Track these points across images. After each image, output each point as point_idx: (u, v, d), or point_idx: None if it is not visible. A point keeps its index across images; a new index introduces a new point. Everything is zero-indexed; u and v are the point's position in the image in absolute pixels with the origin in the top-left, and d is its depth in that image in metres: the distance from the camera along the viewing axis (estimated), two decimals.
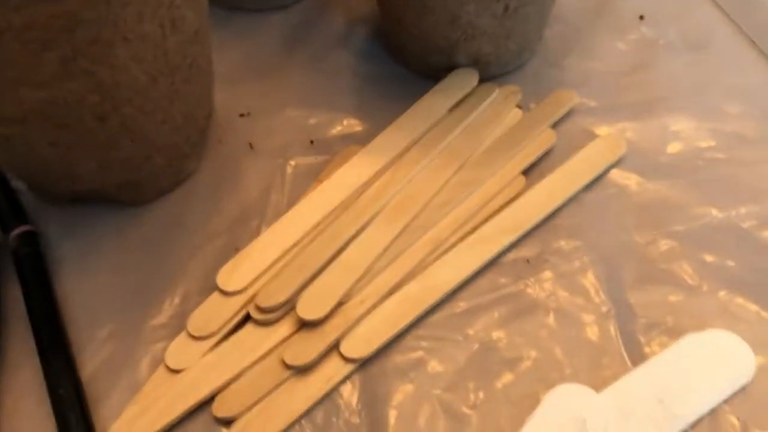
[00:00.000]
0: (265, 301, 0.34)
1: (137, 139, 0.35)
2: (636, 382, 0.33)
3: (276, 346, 0.34)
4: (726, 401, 0.32)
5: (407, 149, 0.40)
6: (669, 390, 0.32)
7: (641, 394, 0.32)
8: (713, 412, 0.32)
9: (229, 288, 0.35)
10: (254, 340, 0.34)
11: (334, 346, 0.34)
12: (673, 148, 0.41)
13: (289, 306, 0.35)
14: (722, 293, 0.35)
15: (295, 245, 0.36)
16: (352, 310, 0.34)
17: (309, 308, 0.34)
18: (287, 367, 0.33)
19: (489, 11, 0.39)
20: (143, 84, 0.33)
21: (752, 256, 0.36)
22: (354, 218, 0.37)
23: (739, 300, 0.35)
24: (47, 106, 0.31)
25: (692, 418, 0.32)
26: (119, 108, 0.33)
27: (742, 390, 0.33)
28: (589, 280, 0.36)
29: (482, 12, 0.39)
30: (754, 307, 0.35)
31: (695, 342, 0.34)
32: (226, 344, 0.34)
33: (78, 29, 0.29)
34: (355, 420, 0.32)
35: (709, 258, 0.36)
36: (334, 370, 0.33)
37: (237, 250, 0.37)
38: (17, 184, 0.40)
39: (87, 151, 0.34)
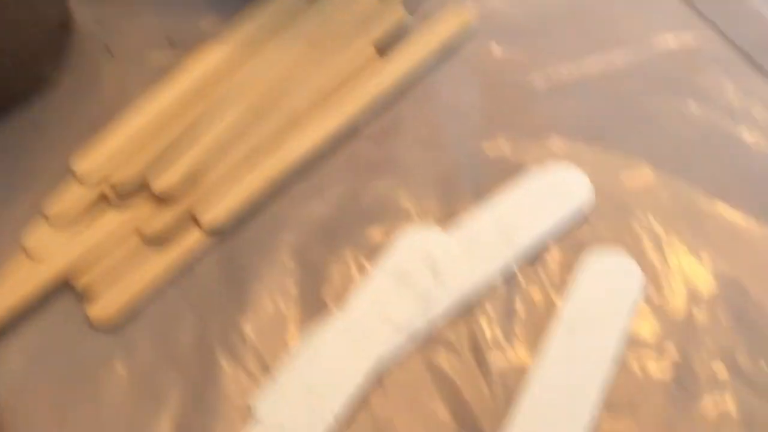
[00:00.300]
0: (119, 178, 0.34)
1: None
2: (481, 218, 0.34)
3: (133, 221, 0.34)
4: (568, 230, 0.34)
5: (259, 35, 0.40)
6: (510, 222, 0.34)
7: (485, 228, 0.34)
8: (559, 240, 0.34)
9: (82, 170, 0.35)
10: (110, 218, 0.34)
11: (192, 218, 0.34)
12: (522, 9, 0.42)
13: (143, 185, 0.35)
14: (564, 138, 0.37)
15: (147, 127, 0.37)
16: (208, 182, 0.35)
17: (162, 180, 0.34)
18: (144, 239, 0.34)
19: None
20: None
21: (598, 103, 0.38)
22: (206, 100, 0.37)
23: (581, 144, 0.37)
24: None
25: (537, 246, 0.33)
26: None
27: (584, 218, 0.34)
28: (442, 137, 0.37)
29: None
30: (595, 148, 0.37)
31: (537, 176, 0.35)
32: (83, 223, 0.34)
33: None
34: (215, 281, 0.33)
35: (559, 108, 0.38)
36: (191, 239, 0.34)
37: None
38: None
39: None
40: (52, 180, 0.36)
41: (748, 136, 0.37)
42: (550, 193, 0.35)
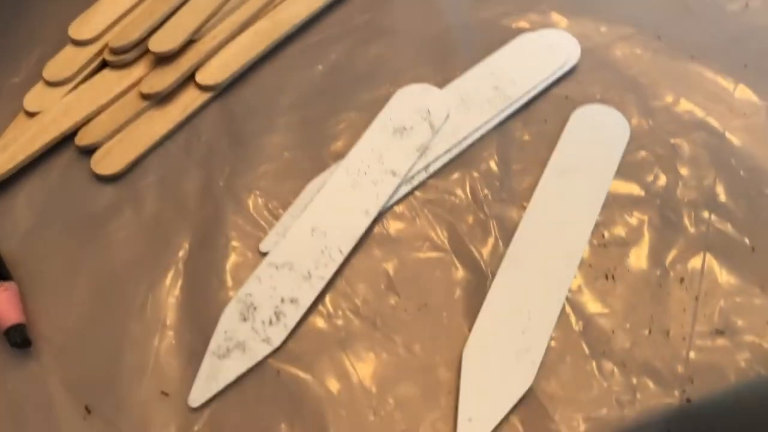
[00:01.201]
0: (118, 41, 0.35)
1: None
2: (475, 76, 0.35)
3: (134, 84, 0.35)
4: (556, 83, 0.35)
5: None
6: (503, 77, 0.35)
7: (479, 84, 0.35)
8: (546, 93, 0.35)
9: (82, 37, 0.35)
10: (112, 80, 0.35)
11: (191, 78, 0.35)
12: None
13: (143, 49, 0.35)
14: (556, 7, 0.38)
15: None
16: (206, 44, 0.35)
17: (161, 42, 0.35)
18: (145, 98, 0.34)
19: None
20: None
21: None
22: None
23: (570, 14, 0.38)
24: None
25: (524, 98, 0.34)
26: None
27: (571, 71, 0.35)
28: (436, 2, 0.38)
29: None
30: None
31: (528, 39, 0.36)
32: (84, 86, 0.35)
33: None
34: (216, 137, 0.34)
35: None
36: (191, 98, 0.35)
37: None
38: None
39: None
40: (50, 45, 0.36)
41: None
42: (540, 52, 0.36)
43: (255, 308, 0.29)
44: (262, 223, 0.32)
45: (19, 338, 0.27)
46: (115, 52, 0.35)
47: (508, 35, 0.37)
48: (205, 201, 0.32)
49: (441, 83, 0.35)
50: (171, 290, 0.30)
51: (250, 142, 0.34)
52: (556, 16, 0.38)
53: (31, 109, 0.34)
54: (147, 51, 0.35)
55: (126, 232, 0.31)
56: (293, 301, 0.29)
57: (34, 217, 0.32)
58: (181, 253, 0.31)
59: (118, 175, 0.33)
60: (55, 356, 0.28)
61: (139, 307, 0.29)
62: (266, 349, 0.28)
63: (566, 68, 0.35)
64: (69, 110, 0.34)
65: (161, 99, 0.34)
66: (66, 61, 0.35)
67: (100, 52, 0.36)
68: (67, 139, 0.34)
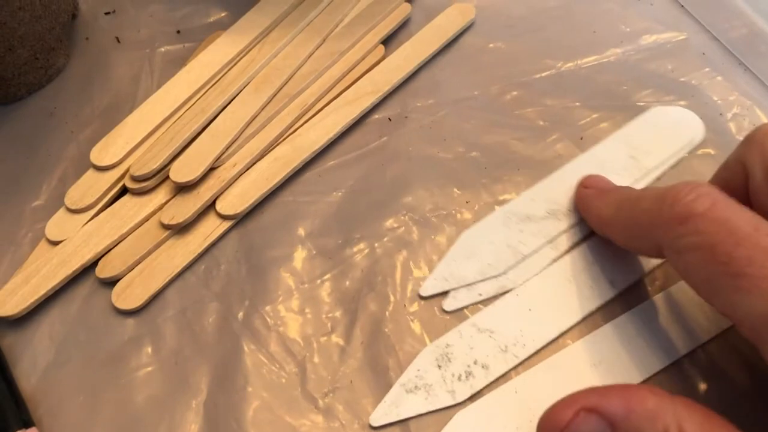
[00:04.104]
0: (139, 170, 0.35)
1: None
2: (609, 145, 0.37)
3: (154, 212, 0.35)
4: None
5: (271, 28, 0.42)
6: (639, 149, 0.37)
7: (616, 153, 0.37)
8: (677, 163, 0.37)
9: (103, 163, 0.36)
10: (132, 208, 0.35)
11: (210, 206, 0.36)
12: (518, 10, 0.44)
13: (163, 175, 0.36)
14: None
15: (165, 120, 0.38)
16: (226, 172, 0.36)
17: (182, 172, 0.35)
18: (165, 228, 0.35)
19: None
20: None
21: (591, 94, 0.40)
22: (222, 92, 0.38)
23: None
24: None
25: (661, 168, 0.36)
26: None
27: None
28: (446, 130, 0.39)
29: None
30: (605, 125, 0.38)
31: (654, 114, 0.38)
32: (105, 214, 0.35)
33: None
34: (235, 267, 0.34)
35: (550, 101, 0.40)
36: (211, 227, 0.35)
37: None
38: None
39: None
40: (68, 166, 0.37)
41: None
42: (668, 129, 0.38)
43: (449, 360, 0.31)
44: (279, 357, 0.32)
45: None
46: (135, 179, 0.36)
47: (525, 165, 0.37)
48: (223, 336, 0.33)
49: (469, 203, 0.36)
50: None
51: (269, 273, 0.34)
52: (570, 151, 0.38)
53: (53, 238, 0.34)
54: (167, 177, 0.36)
55: (146, 369, 0.32)
56: (485, 367, 0.31)
57: (54, 350, 0.32)
58: (200, 394, 0.31)
59: (137, 308, 0.33)
60: None
61: None
62: (449, 401, 0.30)
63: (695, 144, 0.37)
64: (90, 240, 0.34)
65: (181, 228, 0.35)
66: (87, 188, 0.36)
67: (122, 177, 0.36)
68: (88, 267, 0.34)
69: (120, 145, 0.37)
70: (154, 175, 0.36)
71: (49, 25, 0.39)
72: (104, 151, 0.36)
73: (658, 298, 0.32)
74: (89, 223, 0.35)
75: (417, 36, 0.42)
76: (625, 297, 0.33)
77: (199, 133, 0.37)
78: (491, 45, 0.42)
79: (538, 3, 0.44)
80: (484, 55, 0.42)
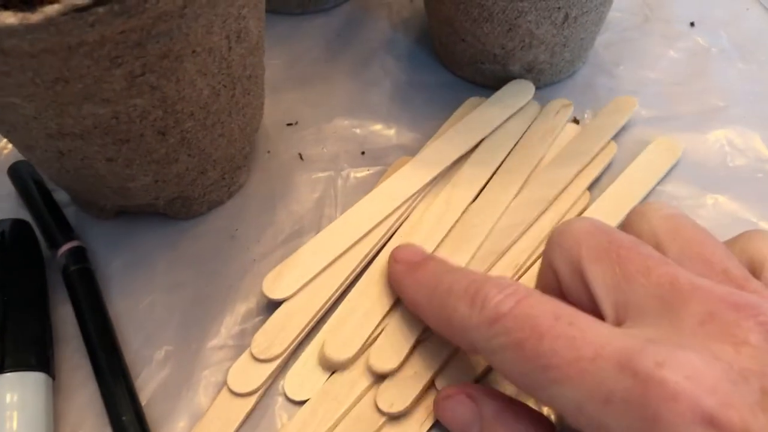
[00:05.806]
0: (334, 355, 0.32)
1: (195, 153, 0.34)
2: None
3: (364, 393, 0.32)
4: None
5: (459, 161, 0.39)
6: None
7: None
8: None
9: (274, 295, 0.34)
10: (344, 385, 0.32)
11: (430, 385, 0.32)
12: (733, 160, 0.40)
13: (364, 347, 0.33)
14: None
15: (342, 253, 0.35)
16: None
17: (381, 359, 0.31)
18: (382, 414, 0.31)
19: (549, 20, 0.38)
20: (206, 97, 0.32)
21: None
22: (412, 230, 0.36)
23: None
24: (109, 121, 0.30)
25: None
26: (181, 122, 0.32)
27: None
28: None
29: (542, 21, 0.38)
30: None
31: None
32: (317, 395, 0.32)
33: (149, 44, 0.27)
34: None
35: None
36: (426, 413, 0.31)
37: None
38: (57, 196, 0.38)
39: (144, 166, 0.33)
40: (251, 300, 0.35)
41: None
42: None
43: None
44: None
45: None
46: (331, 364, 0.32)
47: None
48: None
49: None
50: None
51: None
52: None
53: (237, 389, 0.32)
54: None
55: None
56: None
57: None
58: None
59: None
60: None
61: None
62: None
63: None
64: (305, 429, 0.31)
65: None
66: (276, 333, 0.33)
67: (310, 321, 0.34)
68: None
69: (294, 277, 0.34)
70: (352, 362, 0.32)
71: (241, 146, 0.37)
72: (276, 282, 0.34)
73: None
74: (303, 407, 0.31)
75: (621, 179, 0.38)
76: None
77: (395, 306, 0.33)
78: (700, 197, 0.38)
79: (753, 152, 0.40)
80: (693, 209, 0.38)
